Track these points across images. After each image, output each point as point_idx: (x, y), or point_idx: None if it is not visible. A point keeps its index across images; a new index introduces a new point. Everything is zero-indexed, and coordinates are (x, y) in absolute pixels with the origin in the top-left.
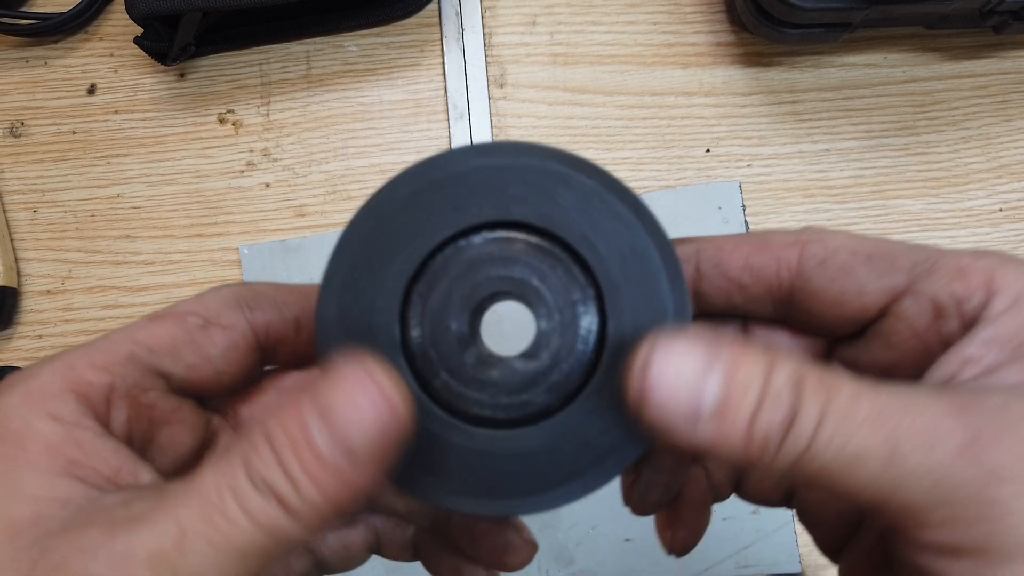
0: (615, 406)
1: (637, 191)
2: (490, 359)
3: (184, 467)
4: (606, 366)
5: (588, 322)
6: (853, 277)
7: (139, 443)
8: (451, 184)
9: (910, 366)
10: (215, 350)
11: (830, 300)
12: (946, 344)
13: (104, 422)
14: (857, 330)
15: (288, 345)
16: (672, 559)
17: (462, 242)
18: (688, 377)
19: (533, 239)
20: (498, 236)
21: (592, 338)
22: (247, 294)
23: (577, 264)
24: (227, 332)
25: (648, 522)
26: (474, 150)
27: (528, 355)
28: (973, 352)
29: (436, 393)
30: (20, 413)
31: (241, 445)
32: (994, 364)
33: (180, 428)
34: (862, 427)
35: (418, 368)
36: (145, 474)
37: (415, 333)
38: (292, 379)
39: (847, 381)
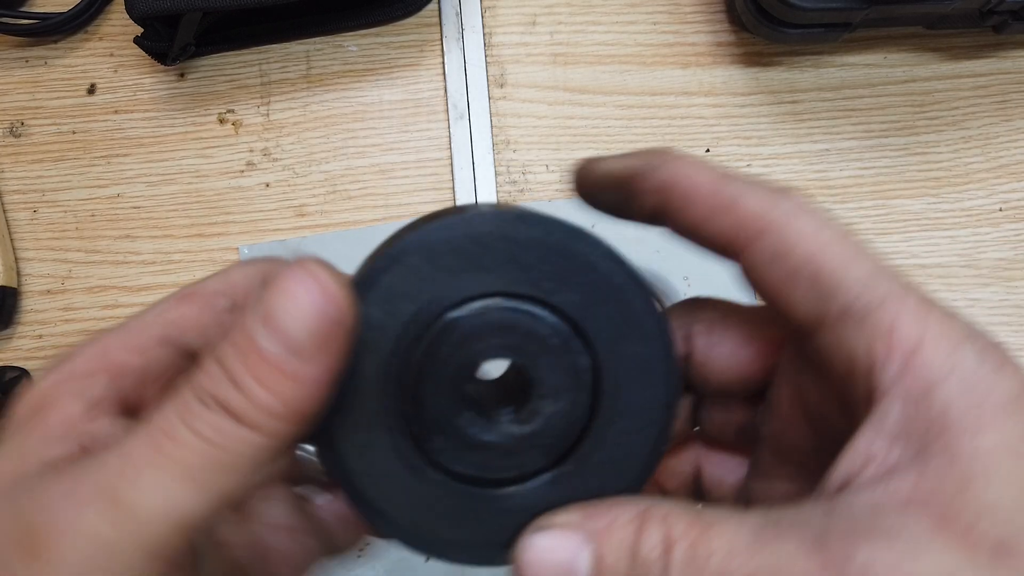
0: (603, 467)
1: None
2: (485, 422)
3: None
4: (597, 429)
5: (583, 398)
6: (792, 288)
7: None
8: (470, 246)
9: (820, 425)
10: None
11: (767, 291)
12: (852, 404)
13: (135, 403)
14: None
15: None
16: None
17: (475, 305)
18: (558, 564)
19: (537, 310)
20: (505, 305)
21: (585, 409)
22: (271, 269)
23: (577, 338)
24: None
25: None
26: (519, 218)
27: (522, 420)
28: (875, 447)
29: (430, 454)
30: (52, 391)
31: (191, 372)
32: (890, 465)
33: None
34: None
35: (413, 429)
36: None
37: (411, 392)
38: None
39: (718, 537)
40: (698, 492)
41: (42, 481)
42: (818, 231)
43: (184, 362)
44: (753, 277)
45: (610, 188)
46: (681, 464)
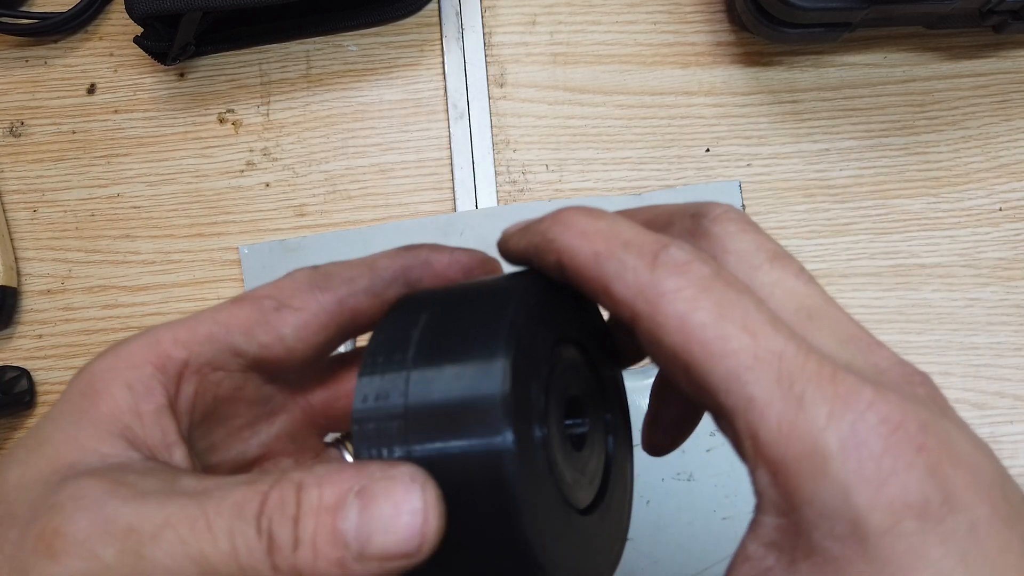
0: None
1: (635, 192)
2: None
3: (239, 438)
4: (613, 477)
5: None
6: (672, 374)
7: (202, 414)
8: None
9: None
10: (287, 329)
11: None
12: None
13: (173, 393)
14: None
15: (364, 315)
16: (672, 558)
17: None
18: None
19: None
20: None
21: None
22: (318, 276)
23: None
24: (299, 313)
25: (647, 522)
26: None
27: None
28: (752, 551)
29: (565, 492)
30: (105, 376)
31: (268, 482)
32: (771, 573)
33: (238, 404)
34: None
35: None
36: (178, 453)
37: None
38: None
39: None
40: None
41: (87, 490)
42: (686, 317)
43: (226, 358)
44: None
45: (525, 262)
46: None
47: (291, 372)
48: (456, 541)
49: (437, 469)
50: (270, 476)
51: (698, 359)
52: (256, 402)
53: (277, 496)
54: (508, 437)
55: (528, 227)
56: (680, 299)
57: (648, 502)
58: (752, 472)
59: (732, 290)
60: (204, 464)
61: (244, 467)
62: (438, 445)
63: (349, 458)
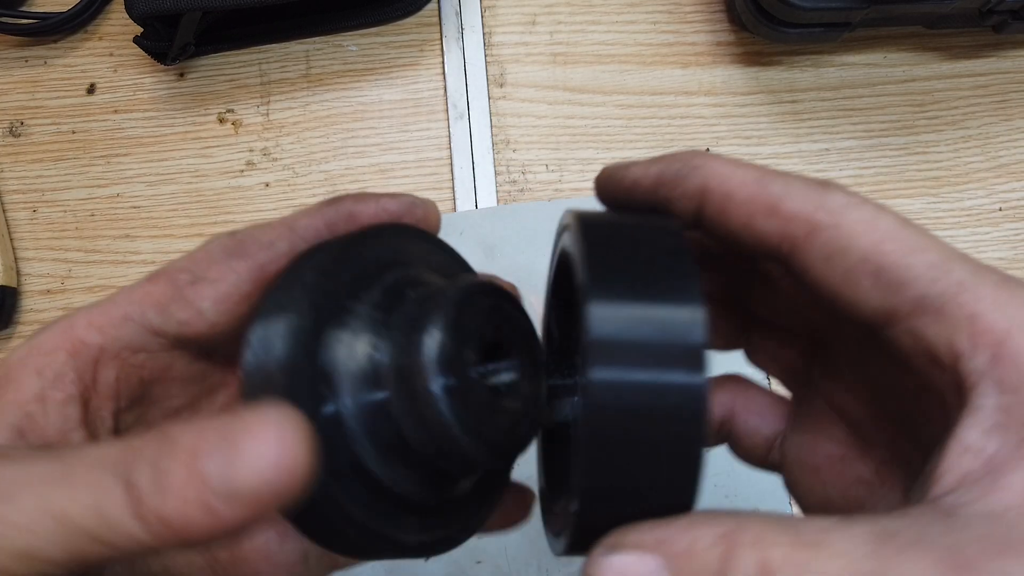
0: None
1: None
2: None
3: (178, 418)
4: None
5: None
6: (854, 287)
7: (129, 399)
8: None
9: (884, 398)
10: (205, 303)
11: (825, 291)
12: (937, 392)
13: (90, 379)
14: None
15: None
16: None
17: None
18: None
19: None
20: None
21: None
22: (233, 243)
23: None
24: (215, 285)
25: None
26: None
27: None
28: (973, 440)
29: None
30: (17, 364)
31: (133, 438)
32: (997, 459)
33: (170, 384)
34: None
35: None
36: (76, 439)
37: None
38: None
39: (830, 560)
40: (725, 436)
41: None
42: (874, 222)
43: (146, 339)
44: (808, 278)
45: (640, 196)
46: (716, 404)
47: (222, 345)
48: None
49: (620, 399)
50: (139, 434)
51: (895, 257)
52: (190, 380)
53: (139, 444)
54: (705, 379)
55: (656, 158)
56: (863, 208)
57: None
58: (964, 360)
59: (896, 212)
60: None
61: None
62: (625, 375)
63: None
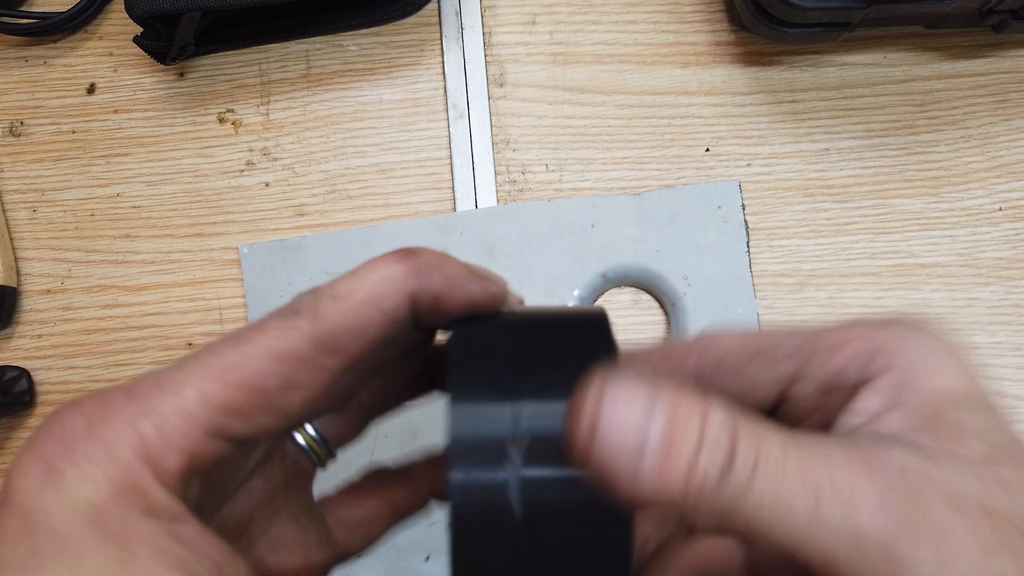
0: None
1: (635, 192)
2: None
3: (223, 495)
4: None
5: None
6: (746, 375)
7: (210, 505)
8: None
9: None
10: (295, 409)
11: (733, 395)
12: (839, 415)
13: (182, 497)
14: (767, 411)
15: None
16: None
17: None
18: (635, 418)
19: None
20: None
21: None
22: (322, 335)
23: None
24: (306, 390)
25: None
26: None
27: None
28: (860, 406)
29: None
30: (118, 510)
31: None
32: (876, 412)
33: (264, 486)
34: (790, 479)
35: None
36: (241, 567)
37: None
38: None
39: (774, 431)
40: None
41: None
42: (736, 335)
43: (225, 447)
44: (712, 386)
45: None
46: None
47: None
48: (559, 558)
49: (550, 493)
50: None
51: (761, 343)
52: (239, 462)
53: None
54: None
55: None
56: (727, 331)
57: None
58: (842, 372)
59: None
60: (234, 540)
61: (239, 522)
62: (553, 472)
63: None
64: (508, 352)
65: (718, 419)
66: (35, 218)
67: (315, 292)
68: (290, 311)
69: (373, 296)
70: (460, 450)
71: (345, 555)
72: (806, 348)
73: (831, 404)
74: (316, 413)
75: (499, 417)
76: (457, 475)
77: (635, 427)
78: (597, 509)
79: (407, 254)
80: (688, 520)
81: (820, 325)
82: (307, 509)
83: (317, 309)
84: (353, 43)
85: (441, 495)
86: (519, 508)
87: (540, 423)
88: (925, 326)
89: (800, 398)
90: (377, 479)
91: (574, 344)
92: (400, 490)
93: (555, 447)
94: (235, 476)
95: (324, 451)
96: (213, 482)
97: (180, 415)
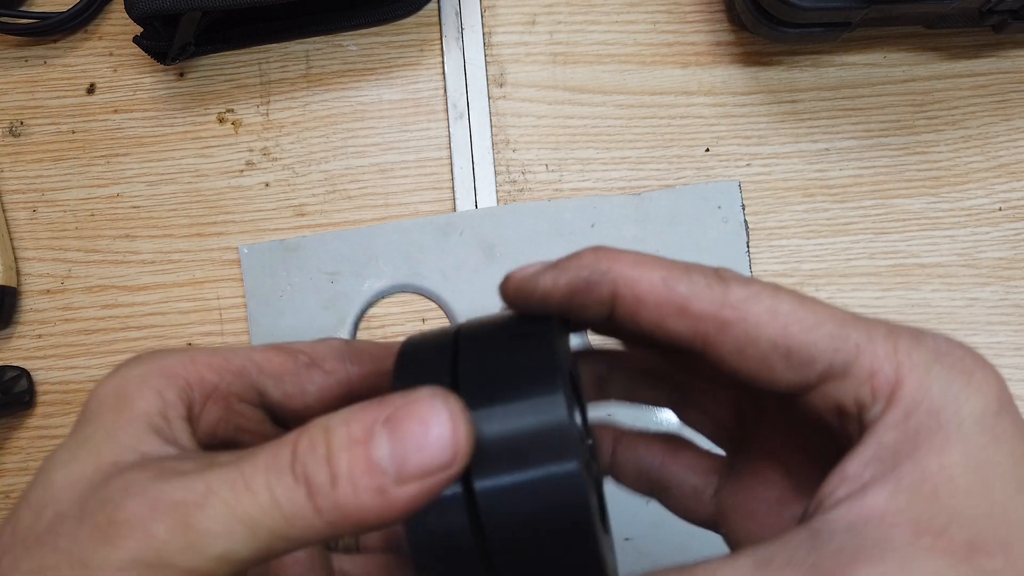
0: None
1: (635, 192)
2: None
3: None
4: None
5: None
6: (770, 370)
7: (223, 440)
8: None
9: (812, 443)
10: (312, 387)
11: (742, 375)
12: (844, 440)
13: (198, 411)
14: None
15: (379, 392)
16: (672, 558)
17: None
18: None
19: None
20: None
21: None
22: (350, 350)
23: None
24: (327, 375)
25: (647, 522)
26: None
27: None
28: (852, 470)
29: None
30: (138, 380)
31: (297, 432)
32: (867, 482)
33: (258, 439)
34: None
35: None
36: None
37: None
38: None
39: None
40: (656, 492)
41: (134, 480)
42: (775, 309)
43: (250, 394)
44: (724, 366)
45: (553, 305)
46: (648, 457)
47: (293, 421)
48: (525, 567)
49: (505, 501)
50: (297, 429)
51: (799, 338)
52: (260, 436)
53: (307, 441)
54: (576, 464)
55: (562, 265)
56: (762, 297)
57: (648, 502)
58: (866, 410)
59: (789, 289)
60: None
61: None
62: (506, 478)
63: None
64: (448, 365)
65: None
66: (35, 218)
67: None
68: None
69: (394, 344)
70: None
71: None
72: (843, 366)
73: (839, 429)
74: (319, 411)
75: None
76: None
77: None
78: (553, 510)
79: None
80: None
81: (856, 322)
82: (321, 555)
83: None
84: (353, 43)
85: None
86: (474, 521)
87: (481, 433)
88: (958, 352)
89: (813, 408)
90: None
91: (514, 349)
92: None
93: (500, 455)
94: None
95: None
96: (239, 443)
97: (223, 354)
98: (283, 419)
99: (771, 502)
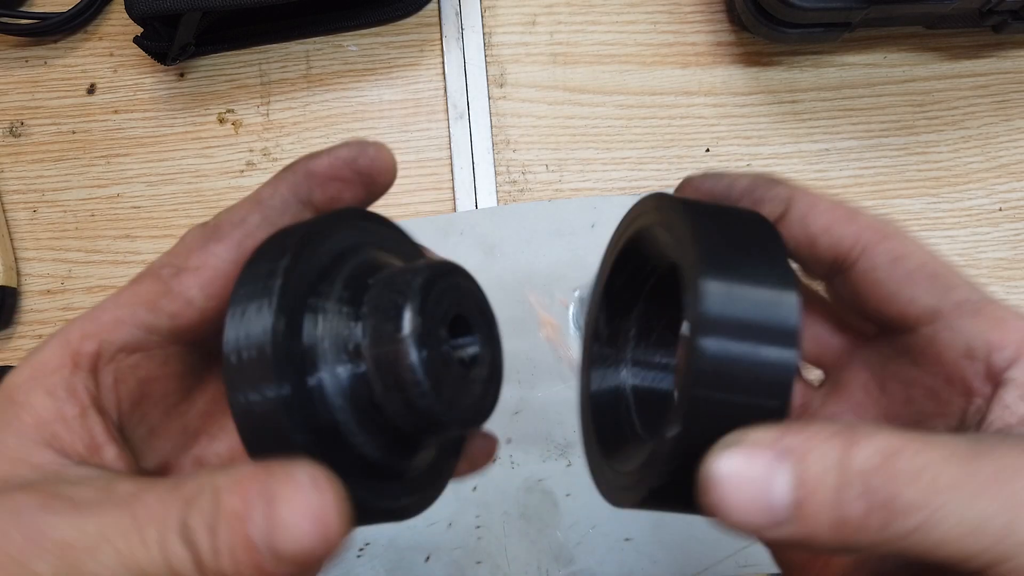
0: None
1: (635, 192)
2: None
3: (176, 412)
4: None
5: None
6: (912, 286)
7: (130, 401)
8: None
9: (923, 382)
10: (192, 291)
11: (882, 294)
12: (964, 383)
13: (95, 389)
14: (887, 329)
15: None
16: (672, 558)
17: None
18: (752, 481)
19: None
20: None
21: None
22: (207, 230)
23: None
24: (199, 272)
25: (648, 522)
26: None
27: None
28: (1011, 403)
29: None
30: (24, 386)
31: (191, 487)
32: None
33: (167, 381)
34: (976, 496)
35: None
36: (110, 453)
37: None
38: None
39: (939, 446)
40: None
41: (20, 506)
42: (923, 245)
43: (141, 339)
44: (868, 279)
45: (731, 198)
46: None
47: (211, 333)
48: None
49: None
50: (193, 479)
51: (943, 270)
52: (186, 374)
53: (197, 504)
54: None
55: (746, 174)
56: (913, 236)
57: None
58: (996, 352)
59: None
60: (149, 449)
61: (189, 439)
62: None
63: None
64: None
65: (865, 453)
66: (35, 218)
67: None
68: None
69: (250, 195)
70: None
71: None
72: (976, 304)
73: (961, 369)
74: (222, 307)
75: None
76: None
77: (755, 492)
78: (766, 383)
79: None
80: (857, 551)
81: (995, 299)
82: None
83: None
84: (353, 43)
85: None
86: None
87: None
88: None
89: (940, 342)
90: None
91: (751, 236)
92: None
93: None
94: (182, 387)
95: None
96: (156, 393)
97: (91, 315)
98: (196, 338)
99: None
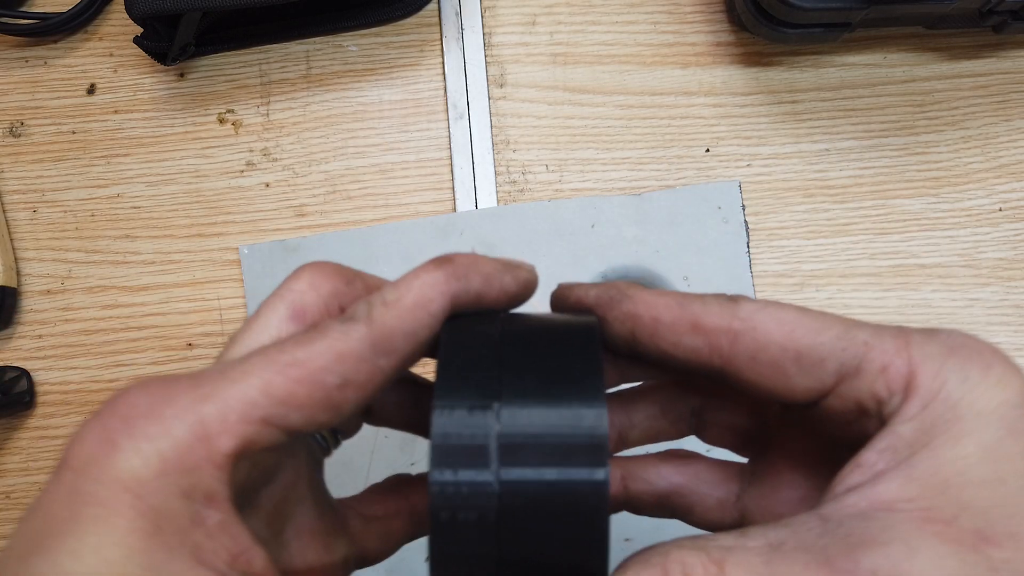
0: None
1: (635, 192)
2: None
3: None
4: None
5: None
6: (782, 375)
7: (251, 491)
8: None
9: (838, 445)
10: (348, 407)
11: (761, 389)
12: (865, 439)
13: (227, 481)
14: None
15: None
16: None
17: None
18: None
19: None
20: None
21: None
22: (378, 338)
23: None
24: (363, 389)
25: (647, 522)
26: None
27: None
28: (866, 459)
29: None
30: (159, 487)
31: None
32: (880, 471)
33: (292, 472)
34: None
35: None
36: (258, 560)
37: None
38: None
39: (734, 571)
40: (673, 510)
41: None
42: (780, 317)
43: (279, 436)
44: (743, 379)
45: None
46: (662, 482)
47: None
48: (534, 561)
49: (528, 496)
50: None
51: (806, 340)
52: (310, 460)
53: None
54: (606, 472)
55: (596, 285)
56: (768, 309)
57: None
58: (885, 405)
59: (796, 304)
60: (268, 525)
61: (274, 504)
62: (533, 473)
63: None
64: (493, 357)
65: None
66: (35, 218)
67: (368, 301)
68: (347, 318)
69: (421, 300)
70: (441, 450)
71: (363, 555)
72: (854, 363)
73: (859, 428)
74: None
75: (481, 420)
76: (436, 475)
77: None
78: (573, 511)
79: (444, 261)
80: None
81: (863, 325)
82: (325, 495)
83: (372, 315)
84: (353, 43)
85: None
86: (496, 509)
87: (521, 427)
88: (975, 346)
89: (832, 411)
90: (397, 482)
91: (561, 353)
92: (419, 494)
93: (535, 451)
94: (277, 463)
95: (333, 439)
96: (260, 468)
97: (242, 402)
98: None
99: (795, 502)
